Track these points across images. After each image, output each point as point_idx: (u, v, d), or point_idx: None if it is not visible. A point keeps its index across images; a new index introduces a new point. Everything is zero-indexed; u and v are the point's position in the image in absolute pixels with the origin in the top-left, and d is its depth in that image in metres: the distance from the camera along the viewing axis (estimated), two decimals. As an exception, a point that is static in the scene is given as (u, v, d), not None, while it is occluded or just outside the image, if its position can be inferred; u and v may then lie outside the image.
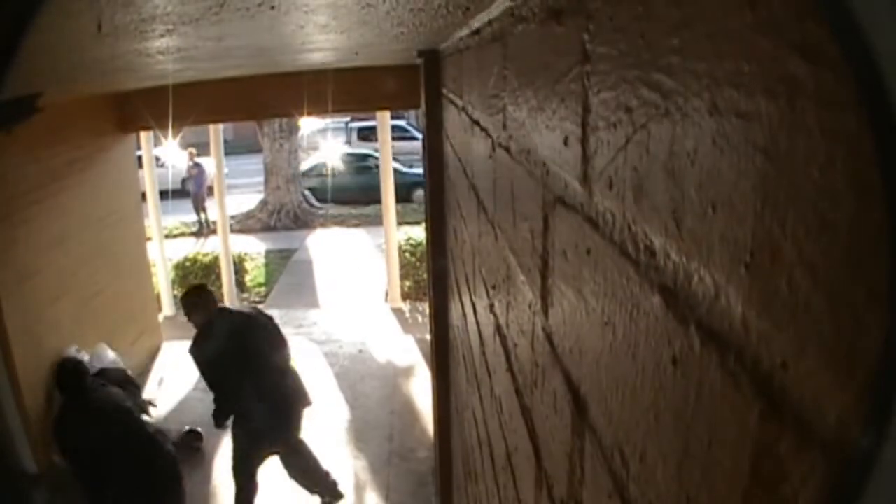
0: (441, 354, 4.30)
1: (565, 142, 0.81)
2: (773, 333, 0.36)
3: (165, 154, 15.90)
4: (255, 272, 12.90)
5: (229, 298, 11.06)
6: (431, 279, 4.34)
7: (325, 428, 6.65)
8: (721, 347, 0.42)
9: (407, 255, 11.35)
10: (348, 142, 23.07)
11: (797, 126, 0.34)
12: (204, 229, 16.52)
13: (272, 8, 1.70)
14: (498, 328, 1.55)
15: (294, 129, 17.05)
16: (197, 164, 17.02)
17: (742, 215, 0.39)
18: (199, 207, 16.83)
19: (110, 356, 6.73)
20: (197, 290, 5.47)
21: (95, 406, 4.62)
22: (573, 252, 0.78)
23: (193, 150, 17.24)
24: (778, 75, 0.35)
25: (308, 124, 18.98)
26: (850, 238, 0.30)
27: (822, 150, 0.32)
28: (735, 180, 0.40)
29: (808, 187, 0.33)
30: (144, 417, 5.15)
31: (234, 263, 11.31)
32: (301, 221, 17.22)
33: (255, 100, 7.44)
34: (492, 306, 1.66)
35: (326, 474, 5.74)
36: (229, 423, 5.38)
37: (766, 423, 0.37)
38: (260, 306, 11.41)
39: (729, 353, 0.41)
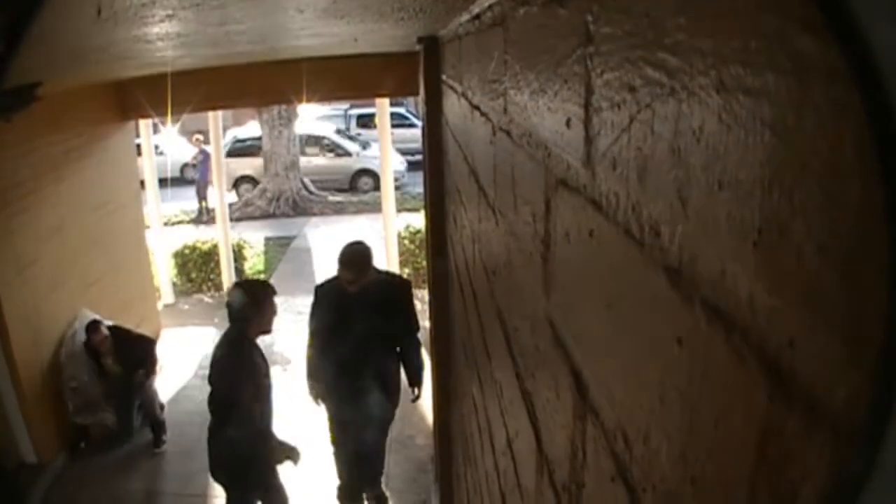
0: (440, 341, 4.31)
1: (567, 124, 0.80)
2: (781, 311, 0.36)
3: (164, 142, 15.81)
4: (254, 259, 12.87)
5: (228, 286, 11.06)
6: (431, 266, 4.34)
7: (324, 415, 6.66)
8: (727, 326, 0.42)
9: (406, 242, 11.34)
10: (347, 128, 22.99)
11: (806, 102, 0.33)
12: (204, 216, 16.48)
13: (271, -8, 1.69)
14: (499, 312, 1.54)
15: (293, 117, 17.01)
16: (203, 151, 16.82)
17: (750, 193, 0.39)
18: (202, 195, 16.76)
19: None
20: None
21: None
22: (576, 234, 0.78)
23: (200, 137, 17.01)
24: (785, 51, 0.35)
25: (307, 111, 18.91)
26: (858, 214, 0.30)
27: (831, 126, 0.31)
28: (742, 157, 0.40)
29: (816, 163, 0.33)
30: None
31: (234, 251, 11.30)
32: (300, 209, 17.21)
33: (255, 87, 7.45)
34: (492, 291, 1.66)
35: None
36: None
37: (773, 402, 0.37)
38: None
39: (735, 331, 0.41)
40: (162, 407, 7.00)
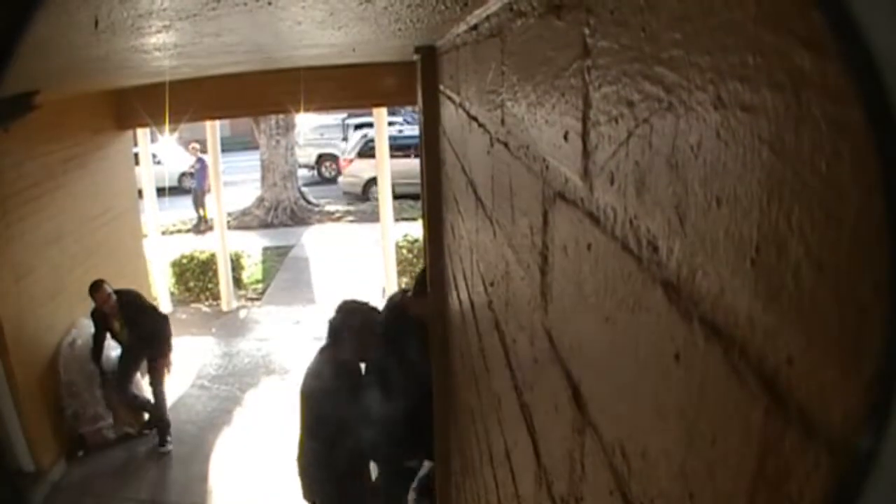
0: (438, 350, 4.30)
1: (565, 137, 0.80)
2: (780, 328, 0.36)
3: (162, 151, 15.77)
4: (252, 269, 12.88)
5: (226, 296, 11.06)
6: (429, 276, 4.33)
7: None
8: (725, 343, 0.42)
9: (404, 251, 11.35)
10: (345, 138, 22.89)
11: (803, 119, 0.33)
12: (202, 226, 16.46)
13: (269, 3, 1.69)
14: (496, 324, 1.54)
15: (291, 126, 17.01)
16: (200, 160, 16.78)
17: (747, 210, 0.39)
18: (200, 204, 16.73)
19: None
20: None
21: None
22: (573, 247, 0.78)
23: (197, 146, 16.97)
24: (783, 68, 0.35)
25: (305, 121, 18.85)
26: (856, 231, 0.30)
27: (828, 143, 0.31)
28: (740, 174, 0.40)
29: (814, 181, 0.32)
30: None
31: (231, 260, 11.30)
32: (298, 218, 17.21)
33: (252, 96, 7.46)
34: (490, 303, 1.65)
35: None
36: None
37: (771, 419, 0.37)
38: (257, 303, 11.43)
39: (733, 348, 0.41)
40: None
